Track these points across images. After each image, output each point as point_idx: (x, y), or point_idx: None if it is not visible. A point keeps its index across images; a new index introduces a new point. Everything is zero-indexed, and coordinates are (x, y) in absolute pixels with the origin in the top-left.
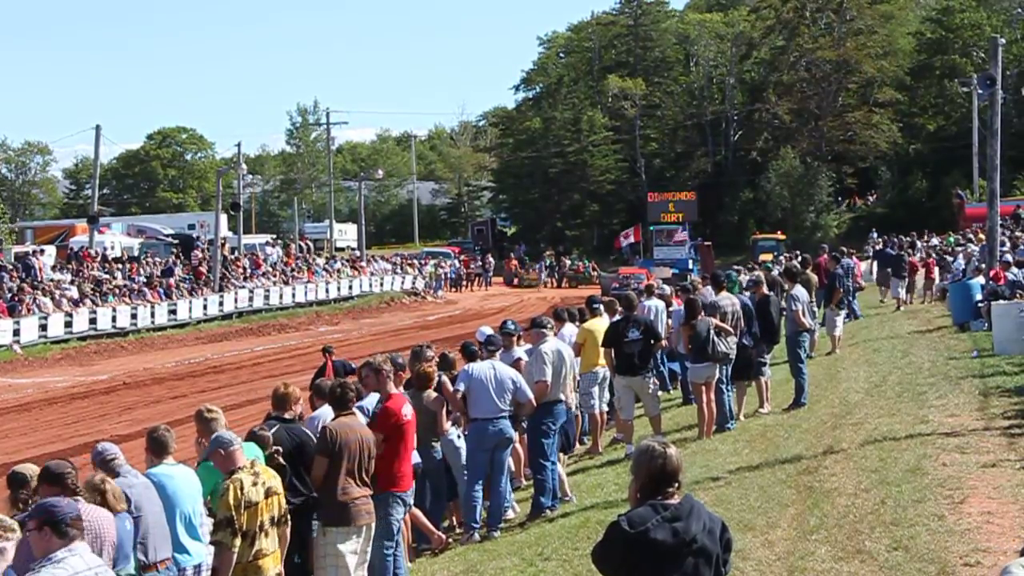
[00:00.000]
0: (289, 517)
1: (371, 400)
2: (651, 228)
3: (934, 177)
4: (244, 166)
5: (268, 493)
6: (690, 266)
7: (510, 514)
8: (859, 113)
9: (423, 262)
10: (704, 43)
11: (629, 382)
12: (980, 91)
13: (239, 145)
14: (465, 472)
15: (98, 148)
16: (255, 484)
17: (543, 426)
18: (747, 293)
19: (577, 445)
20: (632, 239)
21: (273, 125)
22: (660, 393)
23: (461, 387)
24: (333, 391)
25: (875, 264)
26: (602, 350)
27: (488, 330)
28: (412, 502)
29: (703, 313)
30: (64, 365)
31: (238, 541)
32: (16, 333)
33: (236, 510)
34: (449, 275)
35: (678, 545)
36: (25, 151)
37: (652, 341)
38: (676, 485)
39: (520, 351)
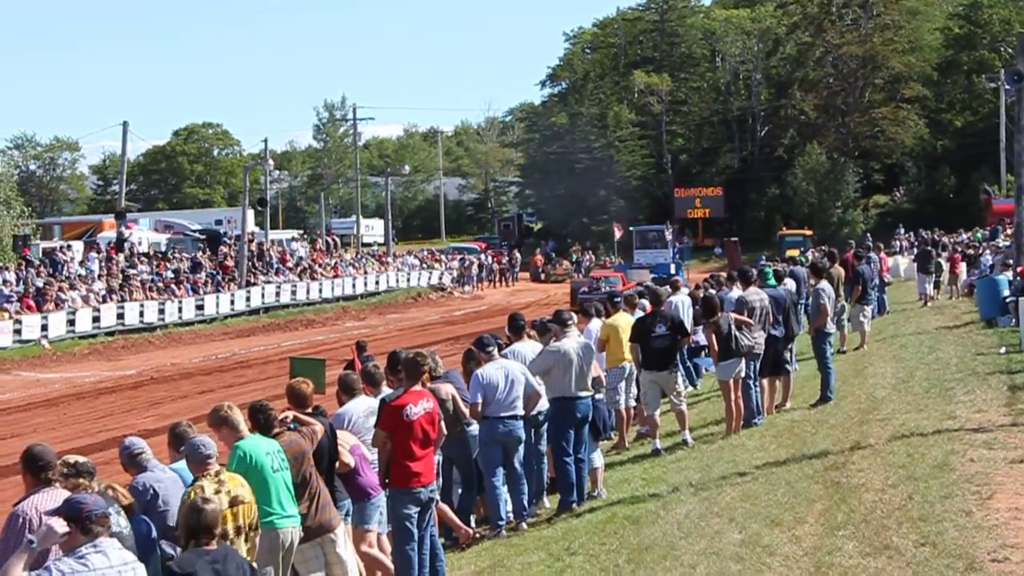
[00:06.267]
0: (259, 526)
1: (353, 406)
2: (630, 229)
3: (962, 173)
4: (271, 162)
5: (233, 502)
6: (672, 271)
7: (546, 503)
8: (886, 109)
9: (450, 257)
10: (730, 39)
11: (656, 377)
12: (1007, 87)
13: (266, 141)
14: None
15: (125, 144)
16: (217, 492)
17: (556, 423)
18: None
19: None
20: (619, 234)
21: (300, 121)
22: (687, 388)
23: (478, 397)
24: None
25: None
26: (627, 345)
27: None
28: (435, 497)
29: (722, 310)
30: (92, 360)
31: None
32: (44, 328)
33: None
34: (477, 271)
35: None
36: (54, 147)
37: (679, 337)
38: (214, 534)
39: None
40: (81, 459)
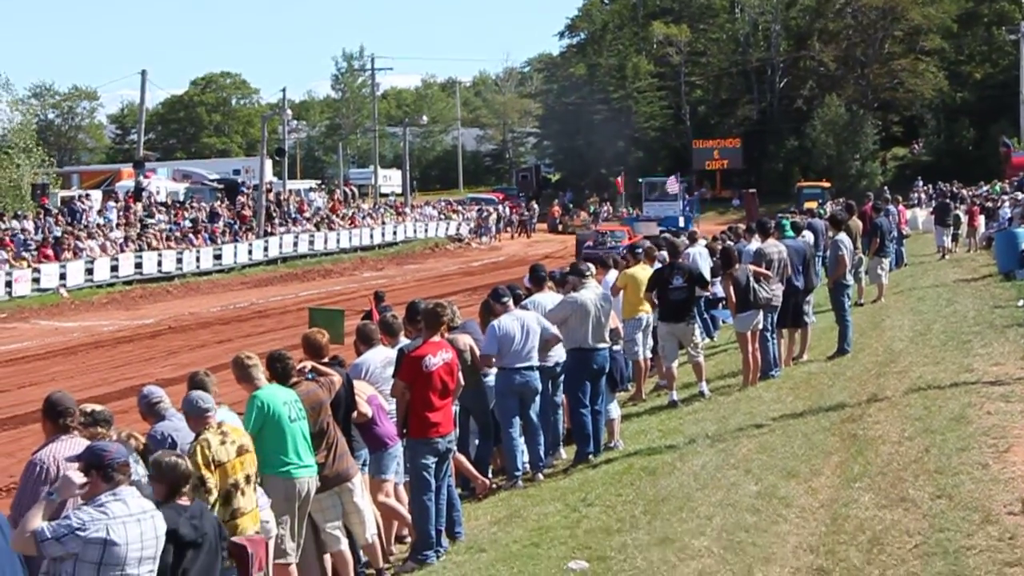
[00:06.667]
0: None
1: (371, 356)
2: (639, 180)
3: (981, 125)
4: (289, 112)
5: (240, 451)
6: (681, 224)
7: (562, 454)
8: (905, 61)
9: (468, 208)
10: None
11: (673, 329)
12: None
13: (284, 91)
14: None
15: (144, 93)
16: (223, 443)
17: (573, 374)
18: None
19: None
20: (621, 188)
21: (318, 71)
22: (705, 340)
23: (494, 348)
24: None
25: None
26: (644, 293)
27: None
28: (452, 448)
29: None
30: (110, 309)
31: (212, 498)
32: (62, 277)
33: (207, 468)
34: (495, 221)
35: (198, 536)
36: (72, 96)
37: (696, 288)
38: (187, 489)
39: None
40: (98, 408)
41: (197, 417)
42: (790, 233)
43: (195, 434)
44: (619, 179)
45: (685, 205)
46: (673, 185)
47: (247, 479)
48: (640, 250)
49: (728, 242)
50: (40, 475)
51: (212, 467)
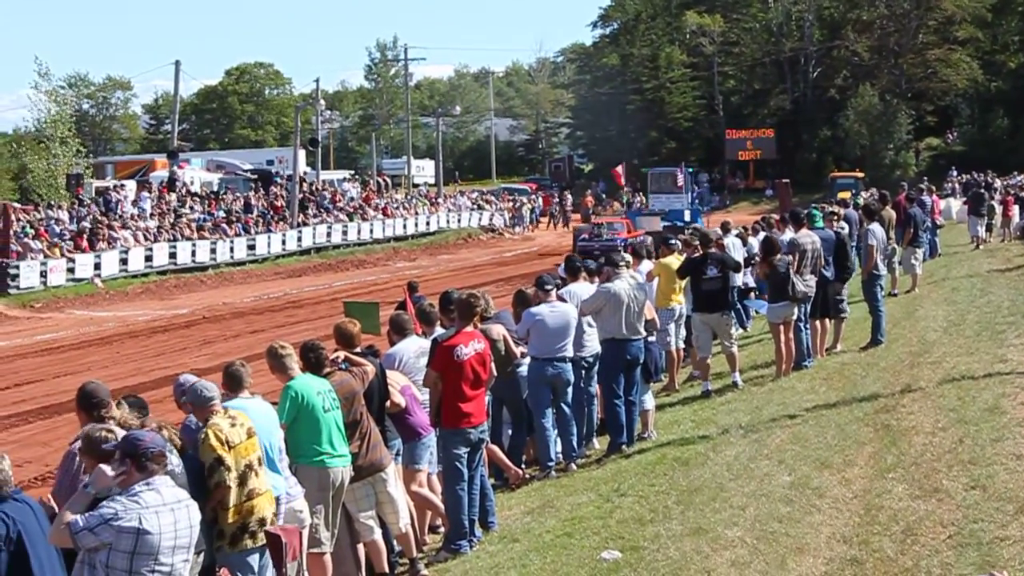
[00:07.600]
0: None
1: (404, 346)
2: (644, 171)
3: (1015, 115)
4: (323, 102)
5: (249, 433)
6: (687, 218)
7: (596, 444)
8: (939, 51)
9: (500, 198)
10: None
11: (707, 319)
12: None
13: (317, 81)
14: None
15: (177, 84)
16: (233, 426)
17: (607, 365)
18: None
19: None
20: (622, 180)
21: (352, 61)
22: (738, 331)
23: (524, 330)
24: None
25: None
26: (677, 284)
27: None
28: (485, 438)
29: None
30: (144, 299)
31: (232, 476)
32: (97, 267)
33: (223, 448)
34: (528, 212)
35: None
36: (106, 86)
37: (730, 275)
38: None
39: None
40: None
41: (202, 406)
42: (820, 224)
43: (202, 421)
44: (617, 169)
45: (693, 198)
46: (681, 176)
47: (259, 460)
48: (673, 241)
49: (762, 231)
50: (79, 466)
51: (227, 447)
